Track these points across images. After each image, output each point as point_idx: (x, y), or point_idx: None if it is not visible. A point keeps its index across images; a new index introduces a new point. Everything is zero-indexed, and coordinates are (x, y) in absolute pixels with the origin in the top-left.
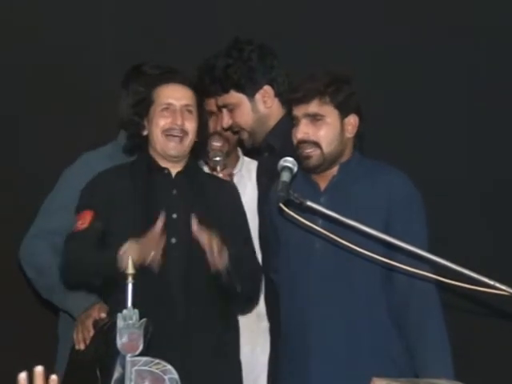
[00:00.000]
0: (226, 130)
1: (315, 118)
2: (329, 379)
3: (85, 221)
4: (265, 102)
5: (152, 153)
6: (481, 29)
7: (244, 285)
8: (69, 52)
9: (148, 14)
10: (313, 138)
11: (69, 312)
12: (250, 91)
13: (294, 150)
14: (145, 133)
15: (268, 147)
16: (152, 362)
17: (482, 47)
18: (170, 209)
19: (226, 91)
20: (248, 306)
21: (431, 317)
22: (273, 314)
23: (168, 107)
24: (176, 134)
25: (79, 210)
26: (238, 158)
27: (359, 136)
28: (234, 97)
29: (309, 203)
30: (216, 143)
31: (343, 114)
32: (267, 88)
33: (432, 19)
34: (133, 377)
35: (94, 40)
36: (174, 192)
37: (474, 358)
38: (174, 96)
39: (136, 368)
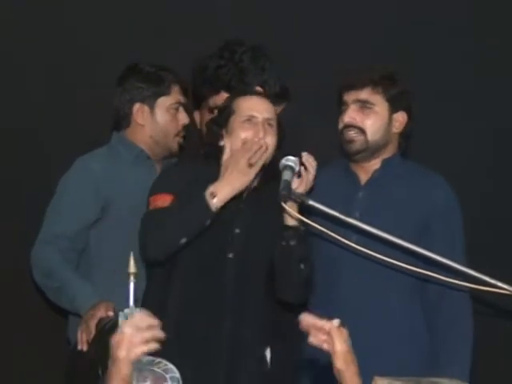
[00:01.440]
0: None
1: (365, 106)
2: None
3: (165, 201)
4: None
5: None
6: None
7: (305, 266)
8: (67, 52)
9: (147, 13)
10: (359, 124)
11: (78, 313)
12: None
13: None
14: (221, 143)
15: None
16: (154, 361)
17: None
18: (233, 223)
19: (217, 92)
20: (302, 295)
21: (459, 323)
22: None
23: (250, 119)
24: None
25: (156, 192)
26: None
27: (405, 136)
28: (224, 98)
29: (311, 202)
30: None
31: (393, 108)
32: (258, 90)
33: (433, 18)
34: (134, 375)
35: (93, 41)
36: (241, 206)
37: (475, 358)
38: (257, 108)
39: (138, 367)
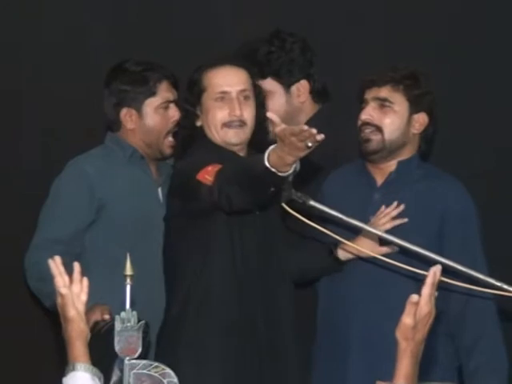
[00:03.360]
0: None
1: (384, 104)
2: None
3: (214, 168)
4: (299, 96)
5: (214, 141)
6: None
7: None
8: (66, 51)
9: (146, 13)
10: (377, 122)
11: None
12: (287, 82)
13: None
14: (198, 123)
15: None
16: (151, 365)
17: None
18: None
19: (264, 77)
20: None
21: (485, 335)
22: None
23: (223, 96)
24: (235, 126)
25: (196, 171)
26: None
27: (426, 138)
28: (271, 84)
29: (312, 202)
30: None
31: (414, 108)
32: (304, 82)
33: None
34: (131, 380)
35: (92, 42)
36: None
37: None
38: (228, 82)
39: (134, 371)
